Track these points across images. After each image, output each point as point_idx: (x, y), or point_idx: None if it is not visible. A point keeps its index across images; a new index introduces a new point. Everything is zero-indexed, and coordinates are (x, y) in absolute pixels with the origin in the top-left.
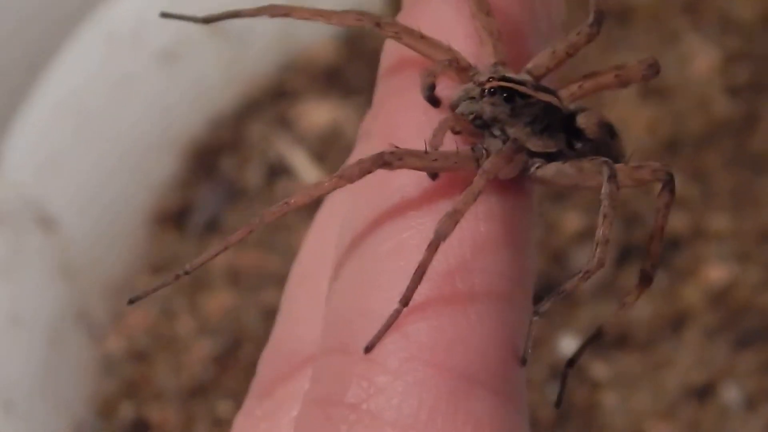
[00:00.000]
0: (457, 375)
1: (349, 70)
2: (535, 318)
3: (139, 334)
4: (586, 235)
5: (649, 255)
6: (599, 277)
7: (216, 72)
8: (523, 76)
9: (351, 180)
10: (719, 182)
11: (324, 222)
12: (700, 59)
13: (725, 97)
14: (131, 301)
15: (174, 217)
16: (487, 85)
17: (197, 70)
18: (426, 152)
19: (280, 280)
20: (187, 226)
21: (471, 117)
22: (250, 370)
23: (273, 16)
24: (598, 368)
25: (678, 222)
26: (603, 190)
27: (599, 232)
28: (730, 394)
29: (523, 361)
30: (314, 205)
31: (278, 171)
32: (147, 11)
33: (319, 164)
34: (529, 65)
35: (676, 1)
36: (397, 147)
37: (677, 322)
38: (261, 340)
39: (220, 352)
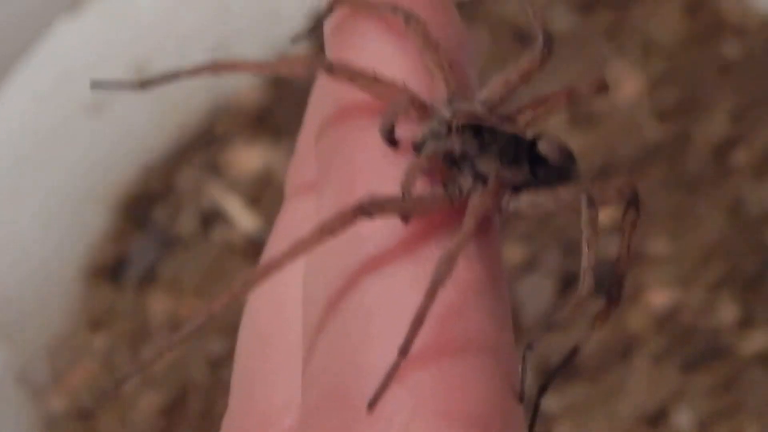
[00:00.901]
0: (466, 422)
1: (279, 113)
2: (528, 352)
3: (81, 391)
4: (532, 264)
5: (615, 276)
6: (539, 309)
7: (144, 120)
8: (479, 108)
9: (333, 233)
10: (656, 206)
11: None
12: (626, 84)
13: (654, 121)
14: (115, 386)
15: (109, 270)
16: (455, 122)
17: (125, 119)
18: (403, 197)
19: (223, 328)
20: (123, 279)
21: (441, 156)
22: (199, 421)
23: (215, 72)
24: (550, 400)
25: (617, 248)
26: (583, 218)
27: (585, 260)
28: (683, 417)
29: (521, 398)
30: (254, 252)
31: (212, 217)
32: (71, 63)
33: (253, 209)
34: (482, 96)
35: (597, 27)
36: (374, 195)
37: (625, 349)
38: (208, 390)
39: (166, 404)
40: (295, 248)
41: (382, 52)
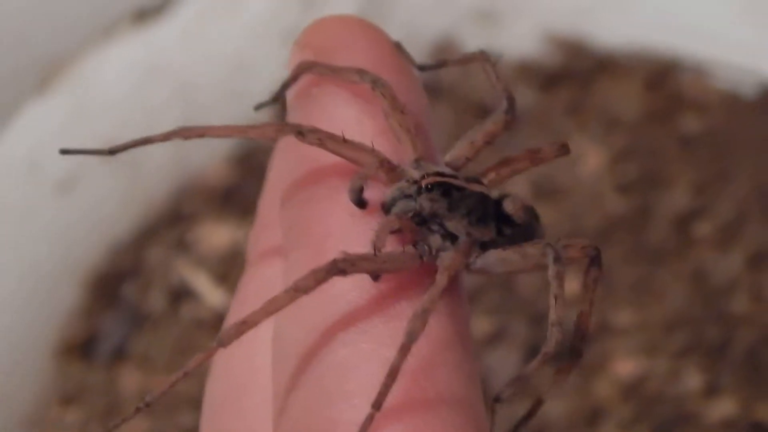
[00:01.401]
0: None
1: (245, 190)
2: (497, 404)
3: None
4: (499, 336)
5: (578, 330)
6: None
7: (112, 198)
8: (446, 169)
9: (307, 291)
10: (620, 278)
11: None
12: (589, 159)
13: (617, 194)
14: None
15: (80, 347)
16: (424, 182)
17: (94, 197)
18: (375, 255)
19: (193, 402)
20: (94, 356)
21: (410, 215)
22: None
23: (186, 138)
24: None
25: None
26: (550, 273)
27: (552, 314)
28: None
29: None
30: (217, 325)
31: (181, 294)
32: (40, 142)
33: (222, 285)
34: (447, 157)
35: (559, 103)
36: (347, 252)
37: (592, 417)
38: None
39: None
40: (269, 306)
41: (347, 117)
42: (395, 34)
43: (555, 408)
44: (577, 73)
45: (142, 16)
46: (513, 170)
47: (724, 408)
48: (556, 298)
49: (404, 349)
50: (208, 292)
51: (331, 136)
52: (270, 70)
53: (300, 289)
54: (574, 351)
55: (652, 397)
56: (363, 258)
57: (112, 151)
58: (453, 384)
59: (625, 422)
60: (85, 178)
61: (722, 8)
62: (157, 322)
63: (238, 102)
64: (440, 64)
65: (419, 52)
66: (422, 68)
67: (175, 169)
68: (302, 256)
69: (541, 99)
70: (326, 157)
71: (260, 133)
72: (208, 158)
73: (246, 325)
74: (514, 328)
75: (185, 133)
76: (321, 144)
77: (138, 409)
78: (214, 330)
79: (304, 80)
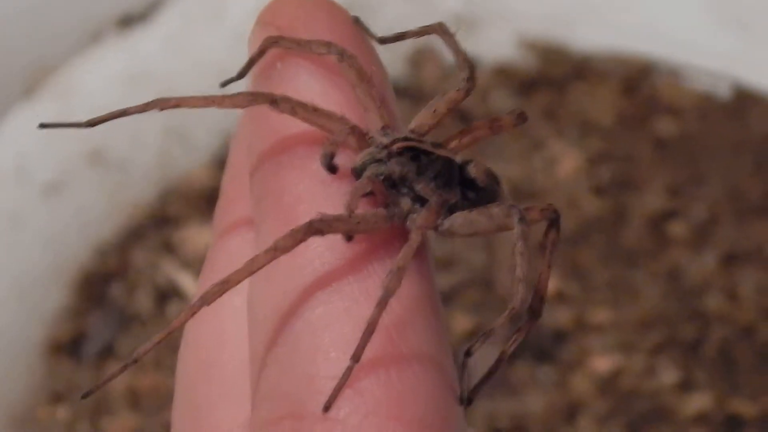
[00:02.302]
0: (414, 424)
1: None
2: (467, 358)
3: None
4: (479, 333)
5: (537, 291)
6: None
7: (99, 201)
8: (413, 136)
9: (286, 250)
10: (596, 277)
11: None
12: (565, 162)
13: (592, 196)
14: (85, 396)
15: (68, 347)
16: (394, 146)
17: (80, 200)
18: (350, 216)
19: None
20: (81, 355)
21: (381, 178)
22: None
23: (162, 108)
24: None
25: (561, 317)
26: (516, 232)
27: (518, 271)
28: None
29: (463, 401)
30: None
31: (168, 295)
32: (26, 146)
33: None
34: (412, 125)
35: (536, 108)
36: (323, 214)
37: (570, 412)
38: None
39: None
40: (250, 265)
41: (312, 89)
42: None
43: (533, 403)
44: (553, 78)
45: (127, 23)
46: (474, 138)
47: (698, 402)
48: (521, 255)
49: (381, 304)
50: (194, 291)
51: (303, 105)
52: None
53: (279, 249)
54: (533, 311)
55: (628, 393)
56: (338, 219)
57: (90, 124)
58: (424, 341)
59: (601, 417)
60: (71, 182)
61: (695, 14)
62: (145, 322)
63: (222, 111)
64: (399, 36)
65: (399, 57)
66: (382, 41)
67: (160, 173)
68: (275, 223)
69: (518, 103)
70: (293, 128)
71: (234, 102)
72: (193, 162)
73: (228, 284)
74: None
75: (162, 104)
76: (293, 112)
77: (125, 366)
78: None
79: (269, 55)
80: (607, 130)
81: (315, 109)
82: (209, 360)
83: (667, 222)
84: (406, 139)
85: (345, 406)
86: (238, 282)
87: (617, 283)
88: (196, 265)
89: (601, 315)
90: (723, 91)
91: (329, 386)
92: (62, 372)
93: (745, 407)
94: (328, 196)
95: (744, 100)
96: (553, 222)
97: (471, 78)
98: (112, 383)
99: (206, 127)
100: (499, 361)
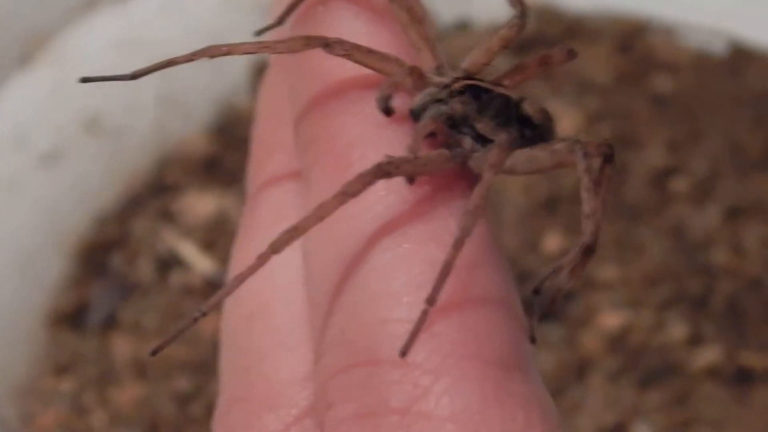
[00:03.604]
0: (493, 364)
1: (227, 159)
2: (536, 296)
3: None
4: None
5: (595, 226)
6: None
7: (97, 170)
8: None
9: (355, 195)
10: (601, 234)
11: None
12: (564, 121)
13: None
14: (154, 352)
15: (71, 317)
16: (455, 85)
17: (78, 169)
18: (416, 157)
19: (187, 367)
20: (84, 325)
21: (443, 118)
22: None
23: (213, 56)
24: None
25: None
26: (580, 168)
27: (586, 207)
28: (642, 431)
29: (533, 340)
30: (206, 291)
31: (169, 263)
32: (24, 115)
33: (209, 253)
34: (464, 64)
35: (536, 57)
36: (391, 156)
37: (580, 370)
38: (178, 424)
39: None
40: (319, 211)
41: (357, 31)
42: None
43: (544, 362)
44: (548, 37)
45: None
46: (525, 76)
47: (708, 356)
48: (587, 191)
49: (458, 245)
50: (196, 260)
51: (358, 47)
52: (245, 38)
53: (348, 194)
54: (587, 248)
55: (638, 349)
56: (405, 161)
57: (134, 76)
58: (494, 283)
59: (612, 374)
60: (69, 151)
61: None
62: (147, 291)
63: (216, 74)
64: None
65: None
66: None
67: (157, 141)
68: (328, 168)
69: (515, 63)
70: (341, 72)
71: (287, 46)
72: (189, 129)
73: (297, 231)
74: None
75: (212, 51)
76: (347, 55)
77: (195, 319)
78: (203, 296)
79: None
80: (605, 89)
81: (370, 51)
82: (259, 311)
83: (668, 178)
84: (466, 77)
85: (422, 349)
86: (307, 229)
87: (622, 240)
88: (196, 233)
89: (607, 272)
90: (718, 47)
91: (403, 330)
92: (66, 343)
93: (755, 359)
94: (384, 139)
95: (740, 56)
96: (608, 158)
97: (523, 15)
98: (117, 353)
99: (200, 95)
100: (554, 300)
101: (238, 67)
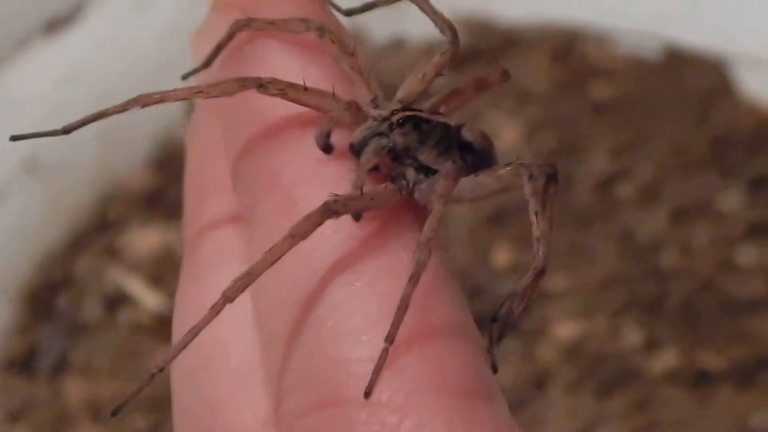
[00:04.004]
0: (458, 395)
1: (169, 192)
2: (494, 324)
3: None
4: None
5: (543, 244)
6: None
7: (38, 210)
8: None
9: (305, 236)
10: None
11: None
12: (505, 133)
13: None
14: (114, 413)
15: (20, 362)
16: (395, 117)
17: (20, 210)
18: (363, 194)
19: (142, 405)
20: (35, 369)
21: (385, 151)
22: None
23: (144, 105)
24: None
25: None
26: (527, 191)
27: (536, 229)
28: None
29: (495, 369)
30: (162, 329)
31: (117, 301)
32: None
33: (157, 287)
34: (399, 95)
35: (470, 81)
36: (337, 195)
37: (539, 382)
38: None
39: None
40: (269, 255)
41: (289, 68)
42: None
43: (502, 376)
44: (485, 50)
45: (54, 27)
46: (462, 100)
47: (666, 360)
48: (536, 213)
49: (414, 279)
50: (144, 295)
51: (292, 85)
52: (187, 69)
53: (298, 235)
54: (541, 271)
55: (595, 357)
56: (352, 198)
57: (66, 131)
58: (451, 312)
59: (571, 384)
60: (9, 192)
61: None
62: (96, 331)
63: (154, 106)
64: (368, 6)
65: None
66: (349, 13)
67: (98, 177)
68: (272, 208)
69: (453, 79)
70: (278, 111)
71: (222, 90)
72: (130, 163)
73: (250, 276)
74: None
75: (144, 100)
76: (283, 94)
77: (153, 375)
78: (154, 332)
79: (237, 39)
80: (544, 98)
81: (305, 89)
82: (213, 354)
83: (614, 183)
84: (405, 108)
85: (386, 387)
86: (260, 274)
87: (571, 248)
88: (142, 267)
89: (559, 282)
90: (653, 51)
91: (366, 369)
92: (17, 389)
93: (713, 360)
94: (327, 176)
95: (675, 58)
96: (552, 177)
97: (455, 40)
98: (70, 396)
99: (139, 128)
100: (508, 324)
101: None
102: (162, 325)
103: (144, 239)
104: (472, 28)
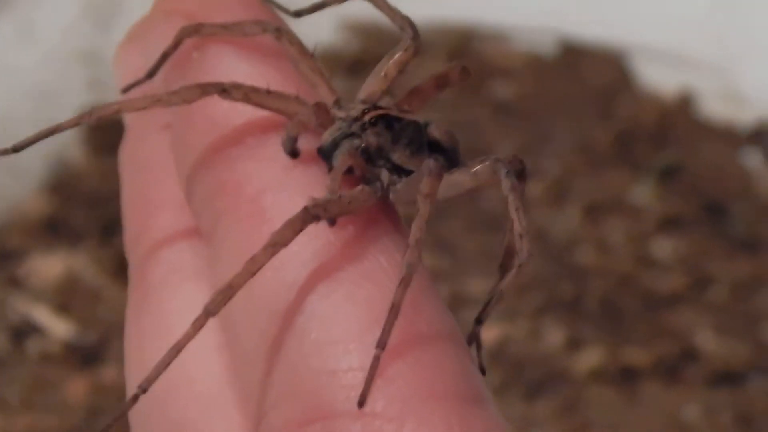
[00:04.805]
0: (453, 400)
1: (70, 217)
2: (479, 326)
3: None
4: None
5: (529, 246)
6: None
7: None
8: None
9: (286, 244)
10: (465, 248)
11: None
12: None
13: None
14: None
15: None
16: (367, 117)
17: None
18: (341, 197)
19: None
20: None
21: (359, 152)
22: None
23: (100, 118)
24: None
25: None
26: (505, 186)
27: (518, 226)
28: None
29: (483, 371)
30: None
31: (24, 331)
32: None
33: (65, 315)
34: (362, 95)
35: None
36: (316, 199)
37: None
38: None
39: None
40: (250, 266)
41: (242, 73)
42: None
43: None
44: (378, 56)
45: None
46: (423, 98)
47: (590, 358)
48: (517, 210)
49: (405, 282)
50: (52, 324)
51: (255, 89)
52: (75, 93)
53: (279, 243)
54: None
55: (519, 360)
56: (331, 202)
57: (15, 149)
58: (437, 316)
59: (497, 388)
60: None
61: None
62: (4, 363)
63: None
64: (318, 6)
65: None
66: (298, 14)
67: None
68: (238, 218)
69: (349, 86)
70: (233, 118)
71: (181, 97)
72: (23, 190)
73: (232, 289)
74: None
75: (99, 112)
76: (246, 99)
77: (136, 397)
78: (65, 360)
79: (183, 47)
80: (444, 101)
81: (269, 92)
82: (176, 379)
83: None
84: (375, 107)
85: (380, 396)
86: (241, 286)
87: (485, 251)
88: (47, 296)
89: (476, 285)
90: (549, 47)
91: (357, 380)
92: None
93: (638, 356)
94: (295, 182)
95: (571, 53)
96: (520, 173)
97: (416, 36)
98: None
99: (31, 153)
100: (494, 302)
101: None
102: (72, 354)
103: (47, 267)
104: (365, 33)
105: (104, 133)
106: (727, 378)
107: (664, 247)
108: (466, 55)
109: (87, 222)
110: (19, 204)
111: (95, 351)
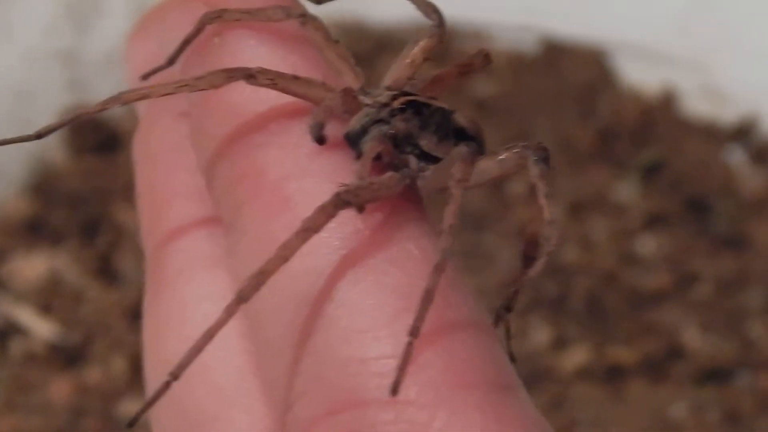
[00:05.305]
0: (486, 388)
1: (51, 218)
2: (508, 314)
3: None
4: None
5: (558, 234)
6: None
7: None
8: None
9: (318, 230)
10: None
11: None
12: None
13: None
14: (129, 425)
15: None
16: (396, 103)
17: None
18: (371, 183)
19: None
20: None
21: (388, 138)
22: None
23: (126, 102)
24: None
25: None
26: (533, 173)
27: (546, 213)
28: None
29: (513, 358)
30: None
31: (7, 332)
32: None
33: (48, 315)
34: (388, 81)
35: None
36: (347, 184)
37: None
38: None
39: None
40: (282, 251)
41: (264, 59)
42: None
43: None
44: (359, 54)
45: None
46: (445, 86)
47: (576, 357)
48: (546, 196)
49: (440, 268)
50: (35, 324)
51: (281, 75)
52: (54, 94)
53: (311, 228)
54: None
55: None
56: (362, 187)
57: (39, 135)
58: (467, 304)
59: None
60: None
61: None
62: None
63: (25, 130)
64: None
65: None
66: (319, 1)
67: None
68: (262, 206)
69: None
70: (253, 105)
71: (209, 82)
72: (3, 191)
73: (264, 275)
74: None
75: (126, 97)
76: (272, 84)
77: (168, 384)
78: (48, 360)
79: (205, 33)
80: None
81: (295, 78)
82: (195, 371)
83: (505, 182)
84: (405, 93)
85: (412, 383)
86: (274, 272)
87: (470, 250)
88: (30, 297)
89: None
90: (530, 45)
91: (388, 367)
92: None
93: (623, 354)
94: (319, 169)
95: (552, 51)
96: (545, 160)
97: (441, 23)
98: None
99: (11, 153)
100: (514, 295)
101: (47, 121)
102: (55, 354)
103: (29, 267)
104: (346, 32)
105: (85, 133)
106: (714, 375)
107: (647, 245)
108: (447, 53)
109: (68, 222)
110: (1, 205)
111: (78, 351)
